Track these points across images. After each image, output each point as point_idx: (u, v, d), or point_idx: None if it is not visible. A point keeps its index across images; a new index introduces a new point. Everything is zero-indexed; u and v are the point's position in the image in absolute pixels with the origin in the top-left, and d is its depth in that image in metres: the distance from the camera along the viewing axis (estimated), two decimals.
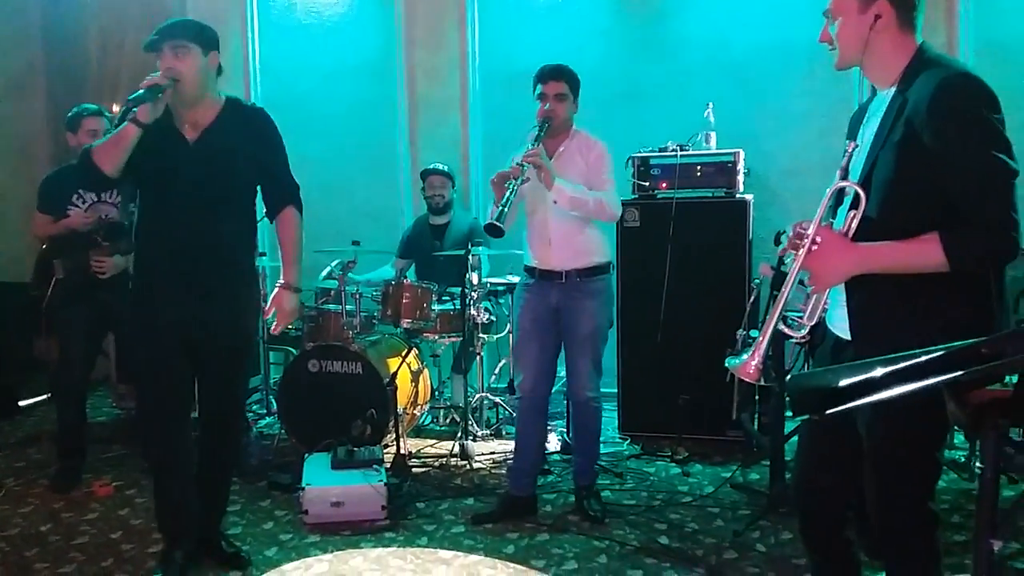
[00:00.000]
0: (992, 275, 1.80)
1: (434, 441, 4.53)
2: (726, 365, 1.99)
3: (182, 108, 2.81)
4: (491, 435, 4.56)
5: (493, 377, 5.02)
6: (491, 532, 3.37)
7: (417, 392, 4.44)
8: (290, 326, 4.64)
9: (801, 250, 1.86)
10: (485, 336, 4.61)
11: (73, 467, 3.97)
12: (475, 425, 4.51)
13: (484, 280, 4.51)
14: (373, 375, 4.10)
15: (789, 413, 3.52)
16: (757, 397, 4.29)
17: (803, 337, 1.97)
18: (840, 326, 1.96)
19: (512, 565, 3.08)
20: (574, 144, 3.47)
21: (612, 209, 3.42)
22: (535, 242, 3.50)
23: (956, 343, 1.10)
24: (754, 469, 3.98)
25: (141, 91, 2.62)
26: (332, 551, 3.21)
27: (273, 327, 3.03)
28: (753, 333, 3.11)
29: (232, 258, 2.90)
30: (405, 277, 4.56)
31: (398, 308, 4.30)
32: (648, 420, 4.45)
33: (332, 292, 4.59)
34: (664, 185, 4.39)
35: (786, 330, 1.94)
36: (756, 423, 4.29)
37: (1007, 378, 1.24)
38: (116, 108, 2.72)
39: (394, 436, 3.98)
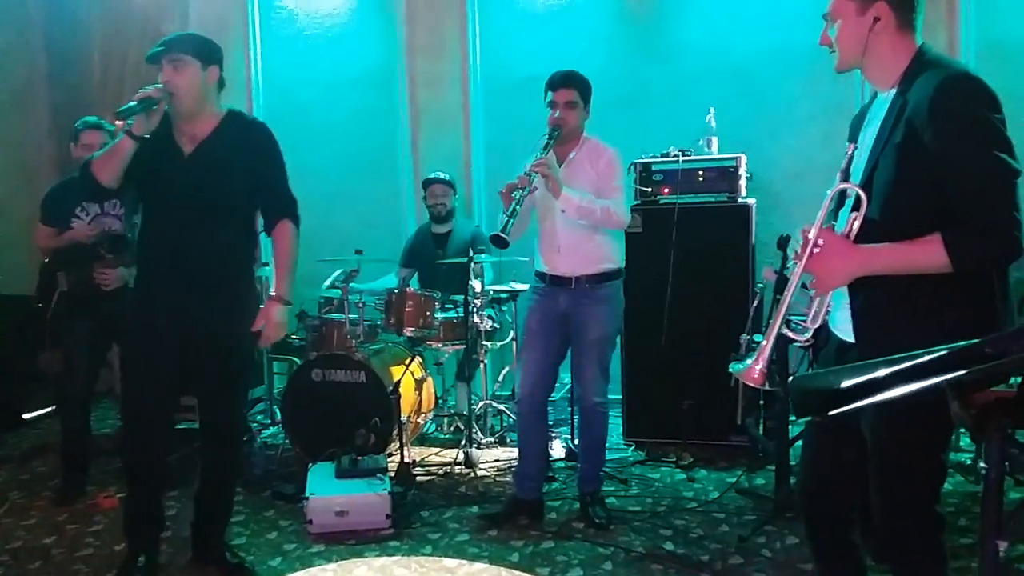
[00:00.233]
0: (995, 276, 1.80)
1: (438, 449, 4.53)
2: (730, 370, 1.98)
3: (180, 121, 2.85)
4: (495, 443, 4.55)
5: (497, 384, 5.01)
6: (496, 540, 3.36)
7: (421, 400, 4.43)
8: (294, 336, 4.67)
9: (803, 253, 1.85)
10: (488, 344, 4.61)
11: (77, 479, 3.96)
12: (479, 433, 4.51)
13: (487, 288, 4.51)
14: (377, 384, 4.09)
15: (794, 417, 3.51)
16: (762, 402, 4.29)
17: (807, 340, 1.96)
18: (843, 328, 1.95)
19: (517, 573, 3.07)
20: (584, 151, 3.47)
21: (619, 217, 3.41)
22: (545, 249, 3.52)
23: (959, 343, 1.10)
24: (759, 474, 3.97)
25: (133, 103, 2.66)
26: (336, 560, 3.21)
27: (261, 340, 2.95)
28: (757, 337, 3.11)
29: (228, 268, 2.91)
30: (408, 285, 4.55)
31: (401, 317, 4.30)
32: (652, 426, 4.44)
33: (335, 301, 4.58)
34: (666, 190, 4.40)
35: (790, 334, 1.93)
36: (761, 428, 4.28)
37: (1012, 379, 1.23)
38: (119, 122, 2.74)
39: (398, 445, 3.97)
